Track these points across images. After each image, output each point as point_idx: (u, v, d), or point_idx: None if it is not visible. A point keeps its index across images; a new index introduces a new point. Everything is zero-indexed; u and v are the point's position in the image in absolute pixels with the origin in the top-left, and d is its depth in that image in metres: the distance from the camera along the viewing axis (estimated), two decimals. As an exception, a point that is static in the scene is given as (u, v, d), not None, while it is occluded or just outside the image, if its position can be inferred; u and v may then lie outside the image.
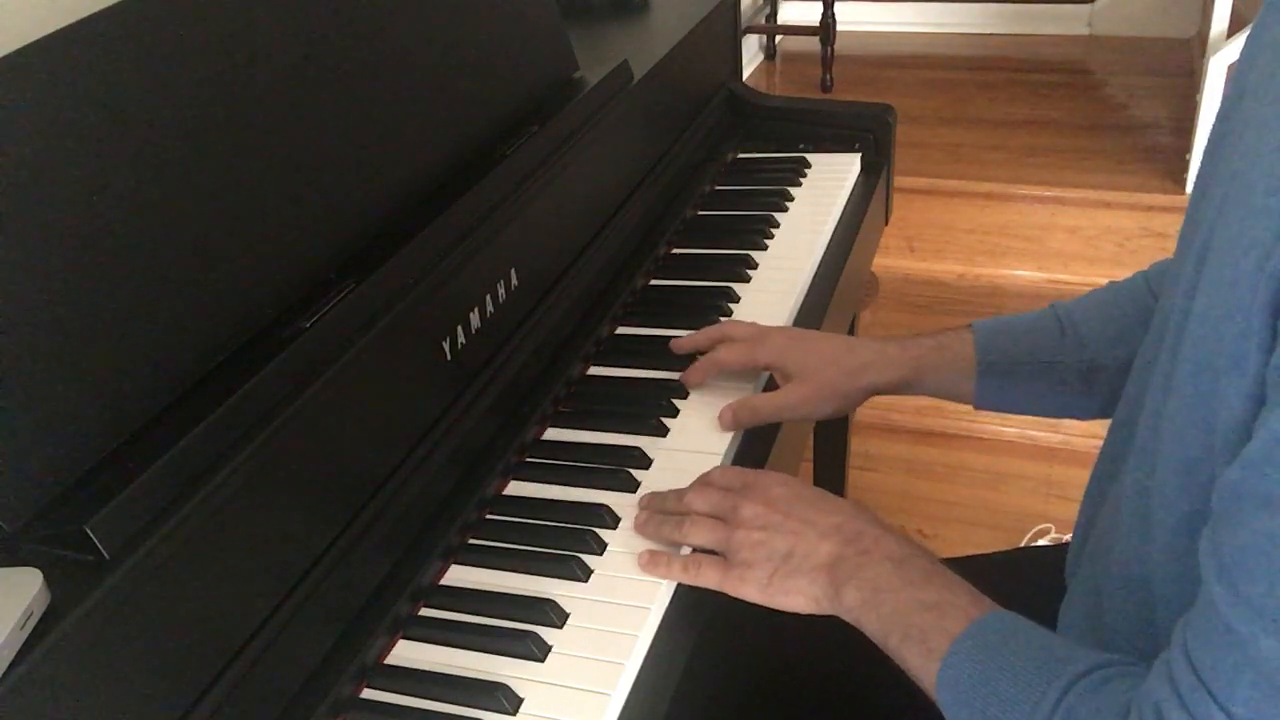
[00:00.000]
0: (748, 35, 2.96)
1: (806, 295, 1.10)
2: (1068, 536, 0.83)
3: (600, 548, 0.77)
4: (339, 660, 0.68)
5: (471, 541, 0.80)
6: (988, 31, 3.21)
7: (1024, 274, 2.36)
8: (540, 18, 1.03)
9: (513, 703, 0.66)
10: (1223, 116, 0.60)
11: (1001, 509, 1.90)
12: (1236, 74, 0.60)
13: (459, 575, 0.77)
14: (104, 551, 0.53)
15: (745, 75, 2.44)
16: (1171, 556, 0.56)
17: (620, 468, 0.85)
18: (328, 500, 0.69)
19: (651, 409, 0.91)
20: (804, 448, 1.22)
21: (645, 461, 0.86)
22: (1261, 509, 0.45)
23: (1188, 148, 2.27)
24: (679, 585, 0.75)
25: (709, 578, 0.73)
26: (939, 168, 2.39)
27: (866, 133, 1.35)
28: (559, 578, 0.75)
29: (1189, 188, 1.98)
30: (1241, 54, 0.60)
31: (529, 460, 0.87)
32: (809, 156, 1.34)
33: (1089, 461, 0.74)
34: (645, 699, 0.68)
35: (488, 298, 0.86)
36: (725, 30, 1.38)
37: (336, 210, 0.75)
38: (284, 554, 0.65)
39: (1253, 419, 0.48)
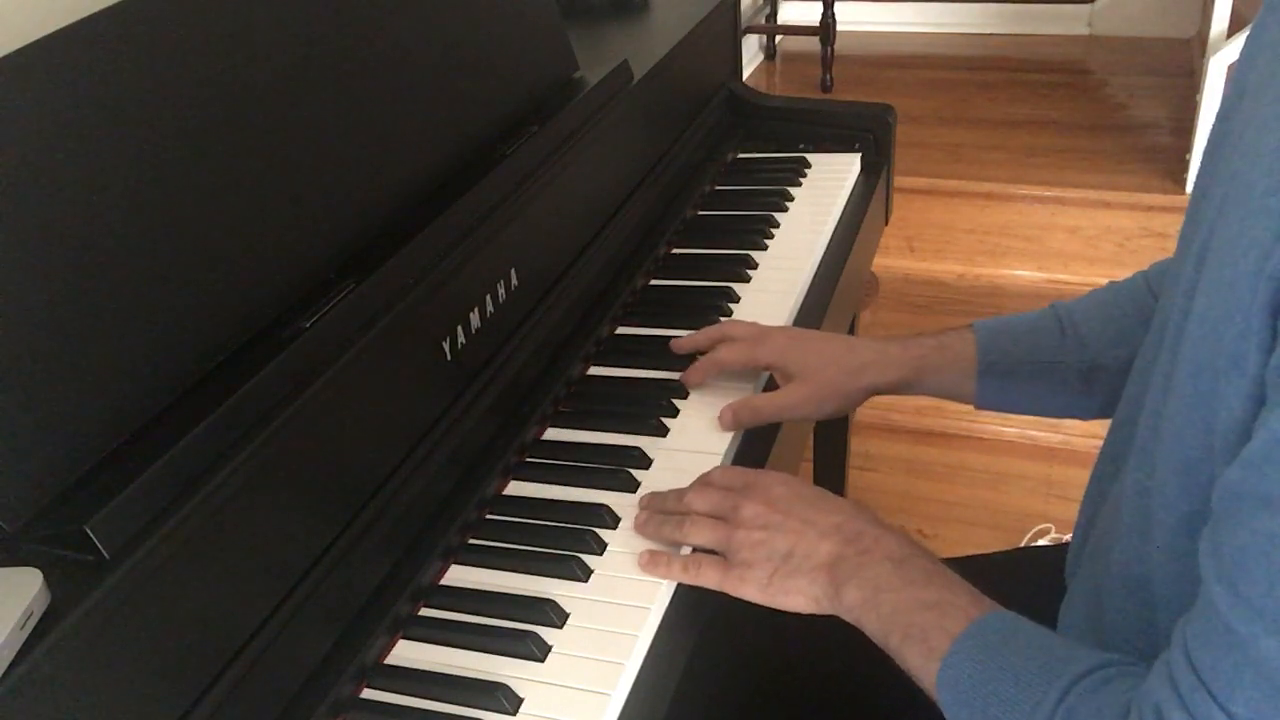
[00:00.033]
0: (748, 35, 2.96)
1: (806, 295, 1.10)
2: (1068, 536, 0.83)
3: (600, 548, 0.77)
4: (339, 660, 0.68)
5: (471, 541, 0.80)
6: (988, 31, 3.21)
7: (1024, 274, 2.36)
8: (540, 18, 1.03)
9: (513, 703, 0.66)
10: (1223, 116, 0.60)
11: (1001, 509, 1.90)
12: (1236, 74, 0.60)
13: (459, 575, 0.77)
14: (104, 551, 0.53)
15: (745, 75, 2.44)
16: (1171, 557, 0.56)
17: (620, 468, 0.85)
18: (328, 500, 0.69)
19: (651, 409, 0.91)
20: (804, 448, 1.22)
21: (645, 461, 0.86)
22: (1261, 509, 0.45)
23: (1188, 148, 2.27)
24: (679, 585, 0.75)
25: (709, 577, 0.73)
26: (939, 168, 2.39)
27: (866, 133, 1.35)
28: (559, 578, 0.75)
29: (1189, 188, 1.98)
30: (1241, 54, 0.60)
31: (529, 460, 0.87)
32: (809, 156, 1.34)
33: (1089, 461, 0.74)
34: (645, 699, 0.68)
35: (488, 298, 0.86)
36: (725, 30, 1.38)
37: (336, 210, 0.75)
38: (284, 554, 0.65)
39: (1252, 419, 0.48)
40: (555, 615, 0.72)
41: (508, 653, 0.70)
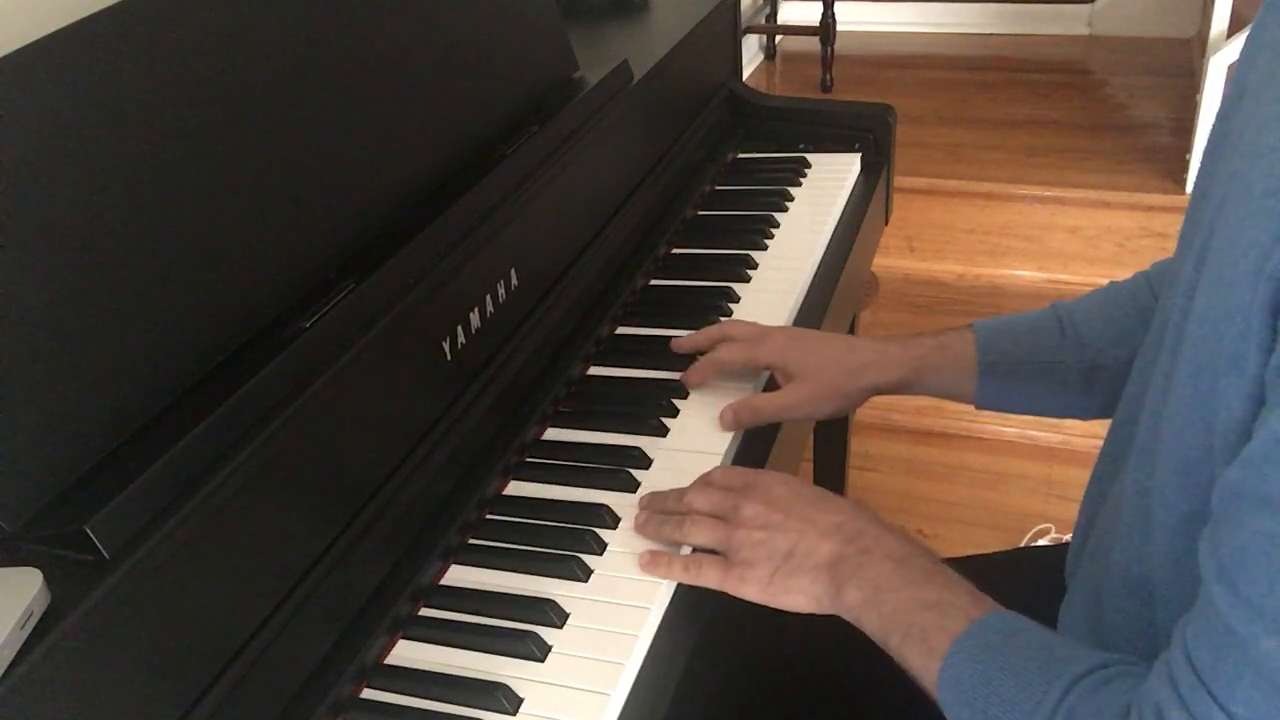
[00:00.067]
0: (748, 35, 2.96)
1: (806, 295, 1.10)
2: (1068, 536, 0.83)
3: (600, 548, 0.77)
4: (339, 660, 0.68)
5: (471, 541, 0.80)
6: (988, 31, 3.21)
7: (1024, 274, 2.36)
8: (540, 18, 1.03)
9: (513, 703, 0.66)
10: (1223, 116, 0.60)
11: (1001, 509, 1.90)
12: (1236, 74, 0.60)
13: (459, 575, 0.77)
14: (104, 551, 0.53)
15: (745, 75, 2.44)
16: (1171, 557, 0.56)
17: (620, 468, 0.85)
18: (328, 500, 0.69)
19: (651, 409, 0.91)
20: (804, 448, 1.22)
21: (645, 461, 0.86)
22: (1261, 509, 0.45)
23: (1188, 148, 2.27)
24: (679, 585, 0.75)
25: (710, 577, 0.73)
26: (939, 168, 2.39)
27: (866, 133, 1.35)
28: (559, 578, 0.75)
29: (1189, 188, 1.98)
30: (1241, 54, 0.60)
31: (529, 460, 0.87)
32: (809, 156, 1.34)
33: (1089, 461, 0.74)
34: (645, 699, 0.68)
35: (488, 298, 0.86)
36: (725, 30, 1.38)
37: (336, 210, 0.75)
38: (284, 554, 0.65)
39: (1252, 419, 0.48)
40: (555, 615, 0.72)
41: (508, 653, 0.70)
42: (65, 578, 0.52)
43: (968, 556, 0.92)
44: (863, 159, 1.34)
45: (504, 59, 0.97)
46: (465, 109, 0.90)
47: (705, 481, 0.78)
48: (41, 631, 0.50)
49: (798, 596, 0.70)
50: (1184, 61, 2.82)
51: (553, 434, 0.91)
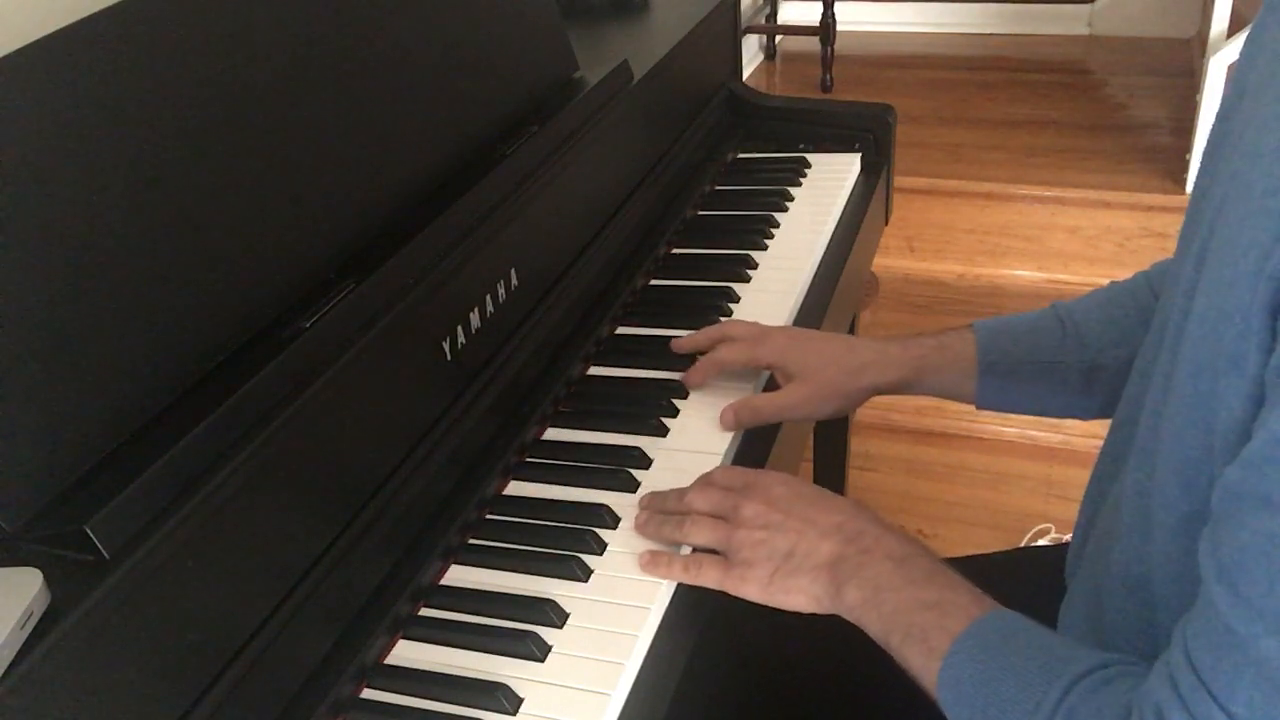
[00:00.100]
0: (748, 35, 2.96)
1: (806, 295, 1.10)
2: (1068, 536, 0.83)
3: (600, 548, 0.77)
4: (339, 660, 0.68)
5: (471, 541, 0.80)
6: (988, 31, 3.21)
7: (1024, 274, 2.36)
8: (540, 18, 1.03)
9: (513, 703, 0.66)
10: (1223, 116, 0.60)
11: (1001, 509, 1.90)
12: (1236, 74, 0.60)
13: (459, 575, 0.77)
14: (104, 551, 0.53)
15: (745, 75, 2.43)
16: (1171, 557, 0.56)
17: (620, 468, 0.85)
18: (328, 500, 0.69)
19: (651, 409, 0.91)
20: (804, 448, 1.22)
21: (645, 461, 0.86)
22: (1261, 509, 0.45)
23: (1188, 148, 2.27)
24: (679, 585, 0.75)
25: (710, 577, 0.73)
26: (939, 168, 2.39)
27: (866, 133, 1.35)
28: (559, 578, 0.75)
29: (1189, 188, 1.98)
30: (1241, 54, 0.60)
31: (529, 460, 0.87)
32: (809, 156, 1.34)
33: (1089, 461, 0.74)
34: (645, 699, 0.68)
35: (488, 298, 0.86)
36: (725, 30, 1.38)
37: (336, 210, 0.75)
38: (284, 554, 0.65)
39: (1252, 419, 0.48)
40: (555, 615, 0.72)
41: (508, 653, 0.70)
42: (65, 578, 0.52)
43: (968, 556, 0.92)
44: (863, 159, 1.34)
45: (504, 59, 0.97)
46: (465, 109, 0.90)
47: (705, 481, 0.78)
48: (41, 631, 0.50)
49: (798, 596, 0.70)
50: (1184, 61, 2.82)
51: (553, 434, 0.91)
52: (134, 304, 0.61)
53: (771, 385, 0.94)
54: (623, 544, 0.78)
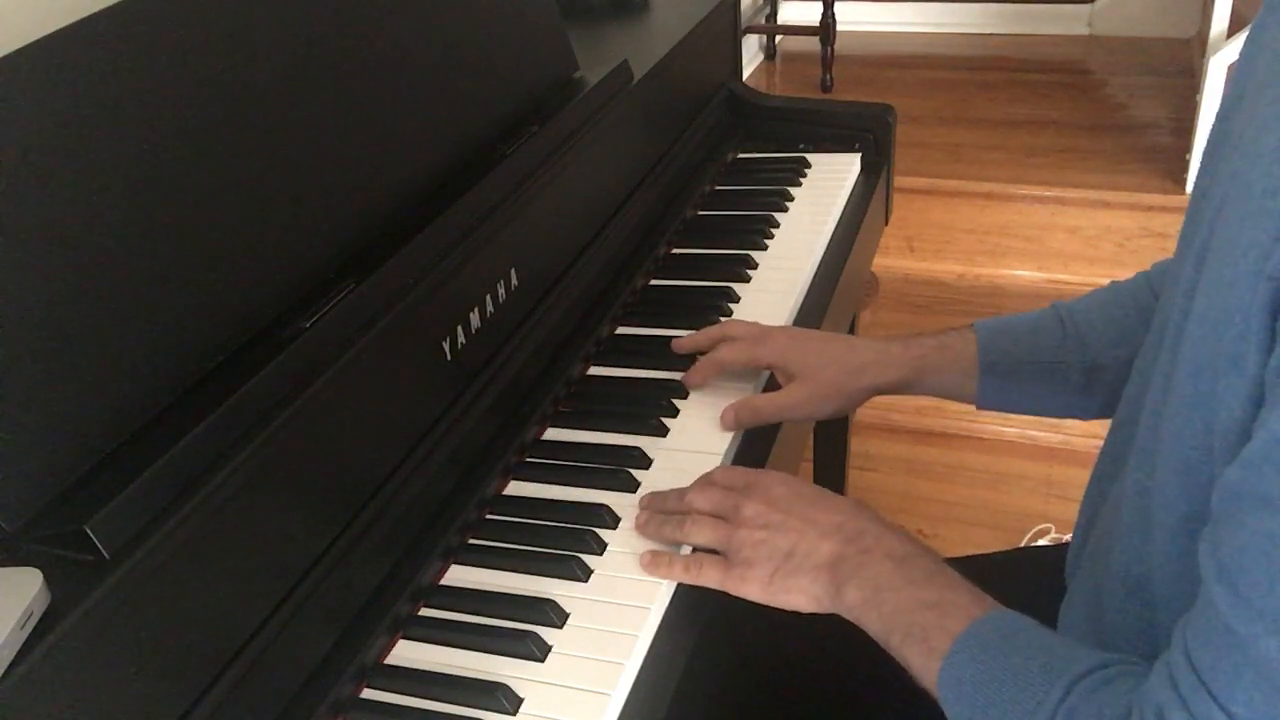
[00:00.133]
0: (748, 35, 2.96)
1: (806, 295, 1.10)
2: (1068, 536, 0.83)
3: (600, 548, 0.77)
4: (339, 660, 0.68)
5: (471, 541, 0.80)
6: (988, 31, 3.21)
7: (1024, 274, 2.36)
8: (540, 18, 1.03)
9: (513, 703, 0.66)
10: (1223, 116, 0.60)
11: (1001, 509, 1.90)
12: (1236, 74, 0.60)
13: (459, 575, 0.77)
14: (104, 551, 0.53)
15: (745, 75, 2.43)
16: (1171, 557, 0.56)
17: (620, 468, 0.85)
18: (328, 500, 0.69)
19: (651, 409, 0.91)
20: (804, 448, 1.22)
21: (645, 461, 0.86)
22: (1261, 509, 0.45)
23: (1188, 148, 2.27)
24: (679, 585, 0.75)
25: (710, 577, 0.73)
26: (939, 168, 2.39)
27: (866, 133, 1.35)
28: (559, 578, 0.75)
29: (1189, 188, 1.98)
30: (1241, 54, 0.60)
31: (529, 460, 0.87)
32: (809, 156, 1.34)
33: (1089, 461, 0.74)
34: (645, 699, 0.68)
35: (488, 298, 0.86)
36: (725, 30, 1.38)
37: (336, 210, 0.75)
38: (284, 554, 0.65)
39: (1252, 420, 0.48)
40: (555, 615, 0.72)
41: (508, 653, 0.70)
42: (65, 578, 0.52)
43: (968, 556, 0.92)
44: (863, 159, 1.34)
45: (504, 59, 0.97)
46: (465, 109, 0.90)
47: (706, 481, 0.78)
48: (41, 631, 0.50)
49: (798, 596, 0.70)
50: (1184, 61, 2.82)
51: (553, 434, 0.91)
52: (134, 304, 0.61)
53: (772, 385, 0.94)
54: (623, 544, 0.78)
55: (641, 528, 0.78)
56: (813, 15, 2.85)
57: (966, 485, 1.96)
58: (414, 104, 0.84)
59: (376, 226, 0.78)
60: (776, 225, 1.20)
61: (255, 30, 0.73)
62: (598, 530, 0.78)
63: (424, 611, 0.74)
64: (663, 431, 0.89)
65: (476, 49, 0.93)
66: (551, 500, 0.83)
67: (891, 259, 2.43)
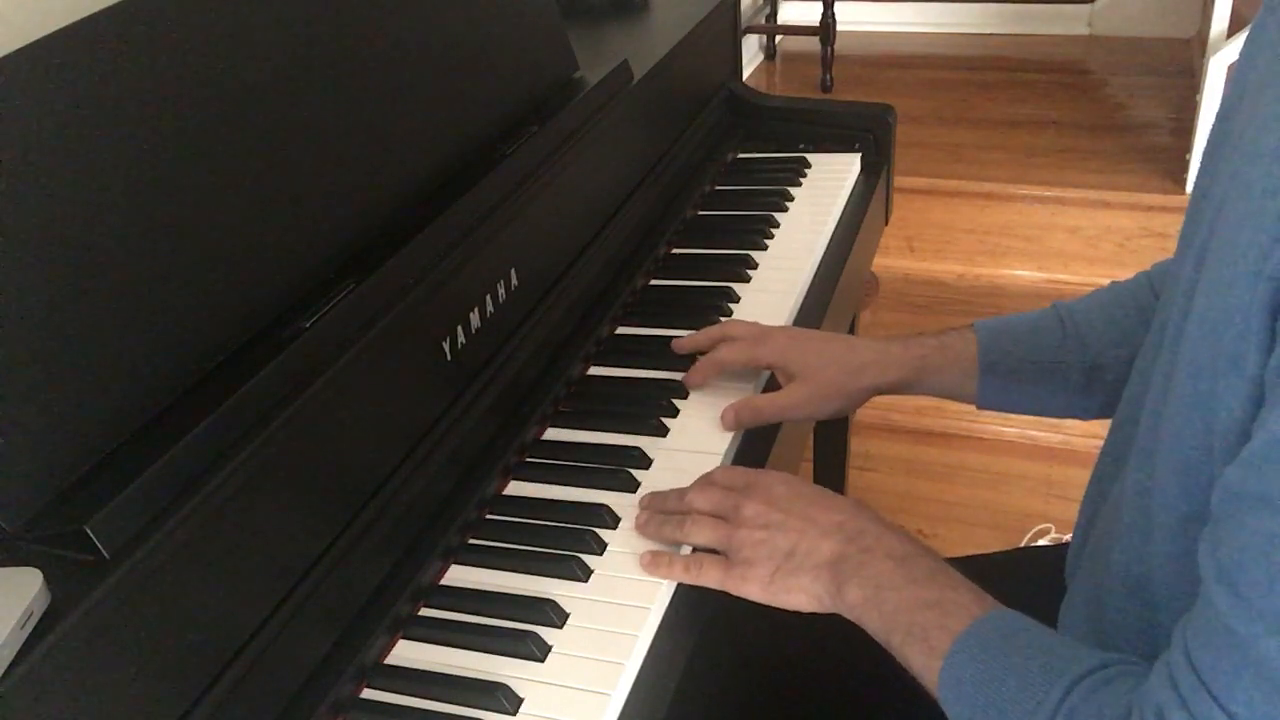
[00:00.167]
0: (748, 35, 2.96)
1: (806, 295, 1.10)
2: (1068, 536, 0.83)
3: (600, 548, 0.77)
4: (339, 660, 0.68)
5: (471, 541, 0.80)
6: (988, 31, 3.21)
7: (1024, 274, 2.37)
8: (540, 18, 1.03)
9: (513, 703, 0.66)
10: (1223, 116, 0.60)
11: (1001, 509, 1.90)
12: (1236, 74, 0.60)
13: (459, 575, 0.77)
14: (104, 551, 0.53)
15: (745, 75, 2.43)
16: (1171, 557, 0.56)
17: (620, 468, 0.85)
18: (327, 500, 0.69)
19: (651, 409, 0.91)
20: (804, 448, 1.22)
21: (645, 461, 0.86)
22: (1260, 509, 0.45)
23: (1188, 148, 2.27)
24: (679, 585, 0.75)
25: (711, 577, 0.73)
26: (939, 168, 2.39)
27: (866, 133, 1.35)
28: (559, 578, 0.75)
29: (1189, 188, 1.97)
30: (1241, 54, 0.60)
31: (529, 460, 0.87)
32: (809, 156, 1.34)
33: (1089, 461, 0.74)
34: (645, 699, 0.68)
35: (488, 298, 0.86)
36: (725, 30, 1.38)
37: (336, 210, 0.75)
38: (284, 554, 0.65)
39: (1251, 420, 0.48)
40: (555, 615, 0.72)
41: (508, 653, 0.70)
42: (65, 578, 0.52)
43: (968, 556, 0.92)
44: (863, 159, 1.34)
45: (504, 59, 0.97)
46: (465, 109, 0.90)
47: (706, 481, 0.78)
48: (41, 631, 0.50)
49: (799, 595, 0.70)
50: (1184, 61, 2.82)
51: (553, 434, 0.91)
52: (134, 304, 0.61)
53: (772, 385, 0.94)
54: (623, 544, 0.78)
55: (641, 528, 0.78)
56: (813, 15, 2.85)
57: (966, 485, 1.96)
58: (414, 104, 0.84)
59: (376, 226, 0.78)
60: (776, 225, 1.20)
61: (255, 30, 0.73)
62: (598, 530, 0.78)
63: (424, 611, 0.74)
64: (663, 431, 0.89)
65: (476, 49, 0.93)
66: (551, 500, 0.83)
67: (891, 259, 2.43)
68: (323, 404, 0.67)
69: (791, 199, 1.25)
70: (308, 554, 0.67)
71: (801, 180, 1.29)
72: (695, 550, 0.75)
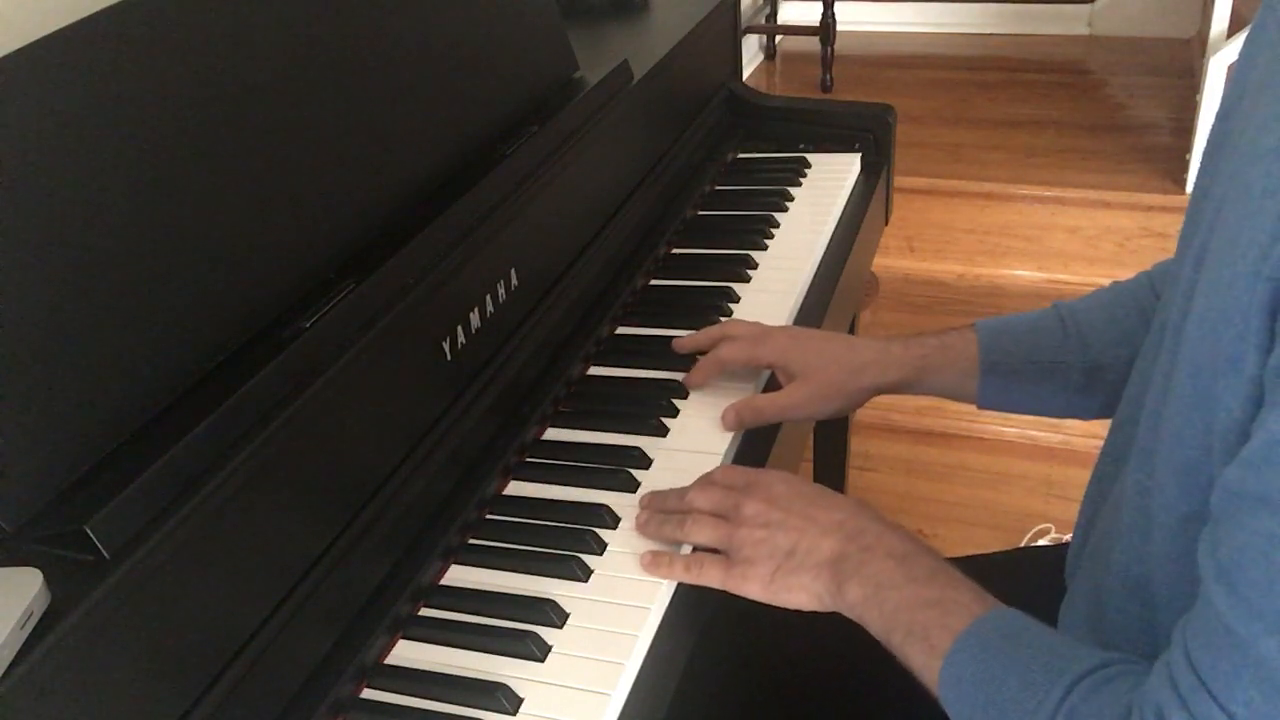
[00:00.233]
0: (748, 35, 2.96)
1: (806, 295, 1.10)
2: (1068, 536, 0.83)
3: (600, 548, 0.77)
4: (339, 660, 0.68)
5: (471, 541, 0.80)
6: (988, 31, 3.21)
7: (1024, 274, 2.37)
8: (540, 18, 1.03)
9: (513, 703, 0.66)
10: (1223, 116, 0.60)
11: (1001, 509, 1.90)
12: (1236, 74, 0.60)
13: (459, 575, 0.77)
14: (104, 551, 0.53)
15: (745, 75, 2.43)
16: (1171, 557, 0.56)
17: (620, 468, 0.85)
18: (327, 500, 0.69)
19: (651, 409, 0.91)
20: (804, 448, 1.22)
21: (645, 461, 0.86)
22: (1259, 509, 0.45)
23: (1188, 148, 2.27)
24: (679, 585, 0.75)
25: (711, 576, 0.73)
26: (939, 168, 2.39)
27: (866, 133, 1.35)
28: (559, 578, 0.75)
29: (1189, 188, 1.97)
30: (1241, 54, 0.60)
31: (529, 460, 0.87)
32: (809, 156, 1.34)
33: (1089, 461, 0.74)
34: (645, 699, 0.68)
35: (488, 298, 0.86)
36: (725, 30, 1.38)
37: (336, 210, 0.75)
38: (284, 554, 0.65)
39: (1250, 420, 0.48)
40: (555, 615, 0.72)
41: (508, 653, 0.70)
42: (65, 578, 0.52)
43: (968, 556, 0.92)
44: (863, 159, 1.34)
45: (504, 59, 0.97)
46: (465, 109, 0.90)
47: (706, 480, 0.78)
48: (41, 631, 0.50)
49: (799, 594, 0.70)
50: (1184, 61, 2.82)
51: (553, 434, 0.91)
52: (134, 304, 0.61)
53: (772, 385, 0.94)
54: (623, 544, 0.78)
55: (642, 527, 0.78)
56: (813, 15, 2.85)
57: (966, 485, 1.96)
58: (414, 104, 0.84)
59: (376, 226, 0.78)
60: (776, 225, 1.20)
61: (255, 30, 0.73)
62: (598, 530, 0.79)
63: (424, 611, 0.74)
64: (663, 431, 0.89)
65: (476, 49, 0.93)
66: (551, 500, 0.83)
67: (891, 259, 2.43)
68: (323, 404, 0.67)
69: (791, 199, 1.25)
70: (308, 554, 0.67)
71: (801, 180, 1.29)
72: (695, 550, 0.75)
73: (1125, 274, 0.86)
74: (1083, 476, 0.75)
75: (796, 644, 0.86)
